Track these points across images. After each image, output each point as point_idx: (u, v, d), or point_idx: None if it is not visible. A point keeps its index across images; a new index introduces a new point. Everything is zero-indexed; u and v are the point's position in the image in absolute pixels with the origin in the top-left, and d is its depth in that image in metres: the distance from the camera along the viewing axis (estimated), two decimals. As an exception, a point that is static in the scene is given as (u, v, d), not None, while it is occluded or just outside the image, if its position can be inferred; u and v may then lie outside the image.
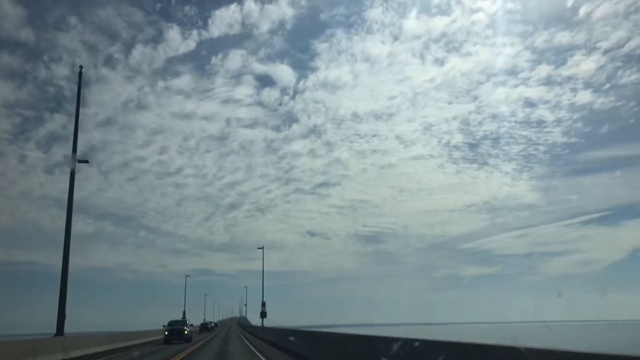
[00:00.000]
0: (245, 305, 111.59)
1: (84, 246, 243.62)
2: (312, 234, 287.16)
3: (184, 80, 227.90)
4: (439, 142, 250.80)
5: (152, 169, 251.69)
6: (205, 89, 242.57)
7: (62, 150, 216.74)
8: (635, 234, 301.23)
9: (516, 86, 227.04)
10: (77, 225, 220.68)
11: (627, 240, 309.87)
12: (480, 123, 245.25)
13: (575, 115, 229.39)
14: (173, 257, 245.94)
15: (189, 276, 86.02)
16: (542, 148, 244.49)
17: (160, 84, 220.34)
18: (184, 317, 76.34)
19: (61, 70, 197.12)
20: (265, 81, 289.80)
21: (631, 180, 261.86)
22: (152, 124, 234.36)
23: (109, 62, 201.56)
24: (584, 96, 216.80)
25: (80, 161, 26.05)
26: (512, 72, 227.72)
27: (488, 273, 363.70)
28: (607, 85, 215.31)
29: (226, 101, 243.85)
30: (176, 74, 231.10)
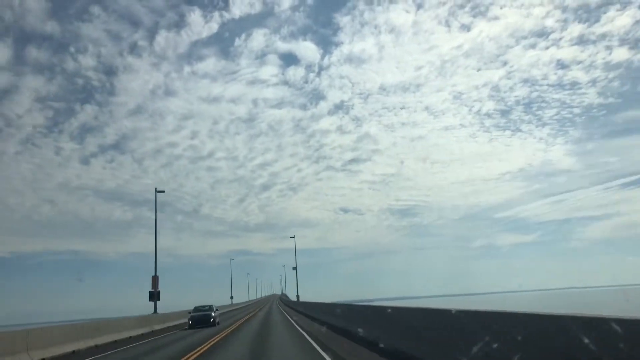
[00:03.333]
0: (284, 284, 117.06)
1: (123, 232, 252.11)
2: (345, 210, 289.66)
3: (209, 64, 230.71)
4: (470, 110, 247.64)
5: (185, 154, 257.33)
6: (230, 71, 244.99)
7: (95, 140, 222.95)
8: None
9: (547, 48, 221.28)
10: (115, 212, 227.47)
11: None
12: (511, 89, 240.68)
13: (611, 75, 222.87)
14: (211, 239, 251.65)
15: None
16: (576, 111, 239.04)
17: (186, 68, 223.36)
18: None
19: (88, 61, 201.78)
20: (289, 59, 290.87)
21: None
22: (181, 109, 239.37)
23: (134, 49, 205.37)
24: (620, 53, 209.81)
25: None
26: (542, 33, 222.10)
27: (526, 241, 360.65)
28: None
29: (252, 82, 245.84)
30: (201, 58, 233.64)
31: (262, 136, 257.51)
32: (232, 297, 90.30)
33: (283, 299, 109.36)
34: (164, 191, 38.97)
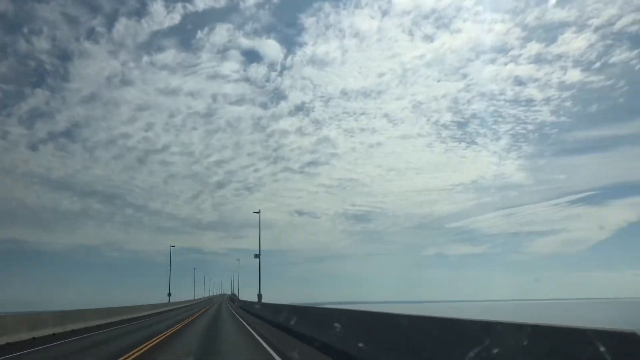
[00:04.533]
0: (238, 281, 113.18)
1: (70, 224, 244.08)
2: (300, 212, 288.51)
3: (169, 55, 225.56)
4: (428, 120, 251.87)
5: (138, 146, 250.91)
6: (190, 64, 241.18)
7: (45, 127, 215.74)
8: (620, 214, 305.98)
9: (506, 64, 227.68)
10: (63, 202, 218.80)
11: (612, 220, 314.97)
12: (469, 101, 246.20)
13: (565, 94, 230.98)
14: (161, 235, 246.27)
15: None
16: (530, 127, 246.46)
17: (145, 58, 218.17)
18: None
19: (42, 44, 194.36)
20: (252, 56, 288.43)
21: (618, 160, 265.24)
22: (137, 99, 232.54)
23: (92, 35, 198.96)
24: (574, 75, 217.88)
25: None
26: (502, 49, 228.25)
27: (475, 252, 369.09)
28: (597, 64, 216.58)
29: (212, 77, 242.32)
30: (161, 49, 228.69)
31: (219, 132, 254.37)
32: (169, 294, 75.34)
33: (234, 299, 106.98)
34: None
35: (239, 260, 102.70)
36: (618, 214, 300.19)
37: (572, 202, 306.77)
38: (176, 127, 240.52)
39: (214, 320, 32.07)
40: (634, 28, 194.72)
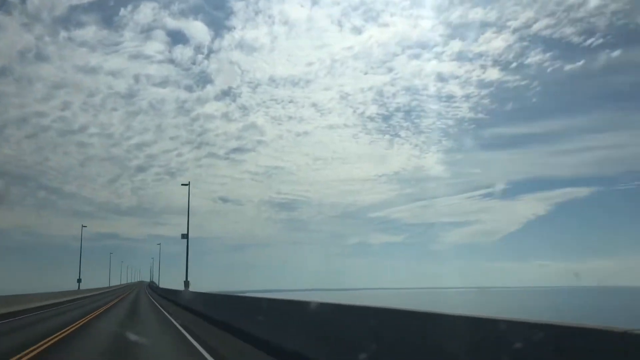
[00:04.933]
0: (159, 268, 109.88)
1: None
2: (224, 199, 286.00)
3: (89, 32, 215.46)
4: (354, 112, 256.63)
5: (54, 125, 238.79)
6: (112, 43, 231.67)
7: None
8: (529, 208, 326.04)
9: (429, 60, 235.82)
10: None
11: (522, 213, 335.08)
12: (394, 95, 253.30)
13: (483, 92, 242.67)
14: (76, 219, 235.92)
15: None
16: (450, 122, 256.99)
17: (63, 34, 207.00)
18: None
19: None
20: (177, 38, 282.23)
21: (527, 157, 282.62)
22: (53, 77, 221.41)
23: (3, 6, 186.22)
24: (493, 73, 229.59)
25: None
26: (427, 45, 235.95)
27: (395, 241, 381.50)
28: (514, 64, 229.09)
29: (135, 57, 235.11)
30: (80, 25, 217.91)
31: (141, 114, 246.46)
32: (79, 281, 67.01)
33: (153, 287, 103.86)
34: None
35: (159, 244, 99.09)
36: (527, 207, 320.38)
37: (485, 196, 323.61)
38: (95, 107, 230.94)
39: (128, 319, 22.53)
40: (547, 32, 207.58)
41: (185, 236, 39.83)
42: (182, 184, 41.06)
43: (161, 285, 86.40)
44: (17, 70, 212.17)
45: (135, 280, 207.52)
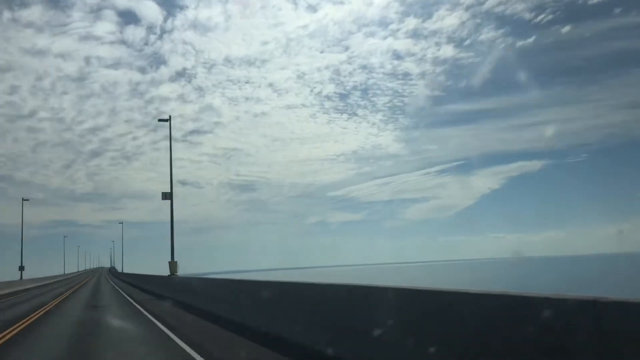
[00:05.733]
0: (121, 254, 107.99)
1: None
2: (183, 183, 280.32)
3: (35, 12, 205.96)
4: (312, 91, 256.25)
5: (1, 111, 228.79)
6: (60, 23, 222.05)
7: None
8: (484, 182, 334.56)
9: (385, 38, 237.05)
10: None
11: (477, 188, 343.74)
12: (350, 74, 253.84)
13: (438, 69, 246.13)
14: (29, 207, 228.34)
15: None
16: (406, 100, 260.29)
17: (6, 14, 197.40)
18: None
19: None
20: (128, 17, 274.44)
21: (482, 132, 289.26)
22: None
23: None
24: (447, 50, 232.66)
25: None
26: (382, 23, 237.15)
27: (354, 219, 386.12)
28: (468, 41, 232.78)
29: (85, 38, 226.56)
30: (25, 4, 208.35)
31: (93, 98, 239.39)
32: (22, 268, 56.61)
33: (115, 272, 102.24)
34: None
35: (122, 223, 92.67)
36: (482, 182, 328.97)
37: (442, 172, 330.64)
38: (45, 91, 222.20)
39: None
40: (500, 8, 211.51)
41: (168, 196, 29.34)
42: (160, 120, 30.81)
43: (125, 271, 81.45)
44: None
45: (95, 267, 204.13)
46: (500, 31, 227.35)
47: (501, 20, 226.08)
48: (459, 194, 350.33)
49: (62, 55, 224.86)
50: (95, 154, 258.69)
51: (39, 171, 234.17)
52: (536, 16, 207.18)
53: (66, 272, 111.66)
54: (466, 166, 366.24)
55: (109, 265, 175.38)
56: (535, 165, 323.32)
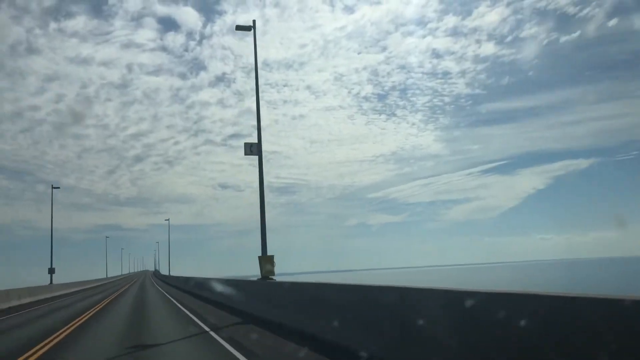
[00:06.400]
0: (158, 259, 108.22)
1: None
2: (224, 186, 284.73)
3: (79, 22, 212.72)
4: (349, 92, 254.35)
5: (48, 118, 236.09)
6: (103, 32, 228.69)
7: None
8: (528, 182, 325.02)
9: (424, 37, 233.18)
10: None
11: (521, 188, 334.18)
12: (389, 74, 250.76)
13: (479, 67, 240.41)
14: (76, 212, 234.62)
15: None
16: (447, 99, 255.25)
17: (53, 25, 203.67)
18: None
19: None
20: (168, 24, 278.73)
21: (525, 131, 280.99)
22: (45, 69, 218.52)
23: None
24: (488, 48, 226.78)
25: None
26: (421, 22, 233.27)
27: (395, 221, 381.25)
28: (509, 38, 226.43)
29: (127, 46, 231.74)
30: (70, 15, 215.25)
31: (136, 104, 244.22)
32: (52, 271, 47.49)
33: (159, 275, 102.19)
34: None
35: (168, 219, 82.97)
36: (527, 181, 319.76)
37: (485, 172, 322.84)
38: (89, 98, 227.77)
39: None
40: (542, 4, 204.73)
41: (254, 149, 20.16)
42: (239, 27, 22.18)
43: (172, 273, 70.77)
44: (8, 65, 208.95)
45: (139, 270, 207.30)
46: (543, 27, 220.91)
47: (544, 15, 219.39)
48: (502, 194, 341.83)
49: (105, 63, 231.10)
50: (138, 159, 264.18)
51: (84, 177, 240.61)
52: (581, 10, 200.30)
53: (109, 276, 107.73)
54: (510, 166, 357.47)
55: (152, 269, 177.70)
56: (582, 163, 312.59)
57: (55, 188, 49.99)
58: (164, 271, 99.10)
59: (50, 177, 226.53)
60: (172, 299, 27.49)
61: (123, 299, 30.98)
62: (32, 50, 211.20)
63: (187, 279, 38.36)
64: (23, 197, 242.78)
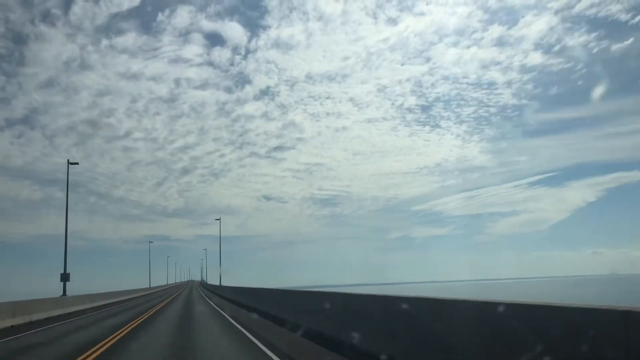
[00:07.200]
0: (205, 268, 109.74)
1: (32, 213, 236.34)
2: (267, 198, 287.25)
3: (129, 38, 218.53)
4: (393, 104, 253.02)
5: (99, 132, 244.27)
6: (151, 48, 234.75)
7: (2, 113, 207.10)
8: (579, 195, 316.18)
9: (469, 47, 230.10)
10: (23, 191, 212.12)
11: (571, 200, 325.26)
12: (432, 85, 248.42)
13: (526, 77, 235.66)
14: (126, 223, 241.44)
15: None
16: (492, 110, 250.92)
17: (104, 42, 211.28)
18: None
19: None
20: (215, 40, 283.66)
21: (575, 142, 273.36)
22: (97, 84, 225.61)
23: (47, 18, 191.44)
24: (535, 57, 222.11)
25: None
26: (465, 32, 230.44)
27: (439, 234, 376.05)
28: (557, 47, 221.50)
29: (174, 61, 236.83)
30: (120, 32, 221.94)
31: (183, 118, 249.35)
32: (66, 278, 35.67)
33: (203, 284, 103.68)
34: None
35: (219, 218, 72.64)
36: (577, 194, 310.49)
37: (532, 184, 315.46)
38: (138, 112, 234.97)
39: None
40: (592, 11, 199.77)
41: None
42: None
43: (223, 283, 64.18)
44: (63, 81, 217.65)
45: (185, 280, 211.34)
46: (593, 35, 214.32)
47: (594, 23, 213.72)
48: (551, 207, 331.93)
49: (154, 78, 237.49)
50: (185, 171, 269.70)
51: (134, 188, 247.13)
52: (633, 17, 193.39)
53: (152, 285, 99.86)
54: (559, 178, 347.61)
55: (199, 279, 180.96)
56: (636, 175, 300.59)
57: (72, 164, 37.40)
58: (210, 281, 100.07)
59: (101, 189, 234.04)
60: (234, 324, 18.25)
61: (163, 316, 24.34)
62: (84, 66, 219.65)
63: (254, 291, 29.26)
64: (76, 208, 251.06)
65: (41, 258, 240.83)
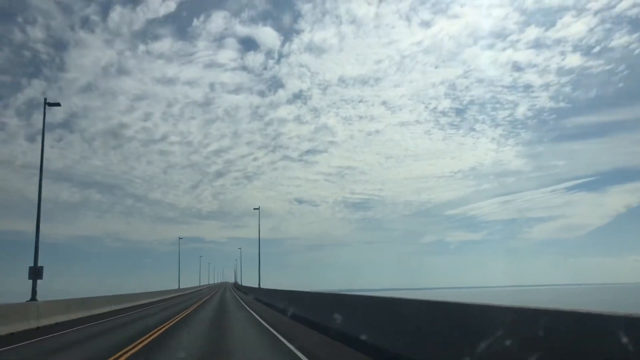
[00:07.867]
0: (241, 269, 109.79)
1: (71, 215, 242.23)
2: (300, 201, 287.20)
3: (165, 44, 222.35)
4: (426, 107, 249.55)
5: (137, 136, 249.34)
6: (187, 53, 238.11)
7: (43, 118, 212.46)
8: (619, 200, 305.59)
9: (504, 49, 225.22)
10: (62, 194, 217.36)
11: (611, 206, 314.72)
12: (467, 88, 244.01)
13: (563, 80, 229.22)
14: (162, 225, 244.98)
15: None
16: (528, 113, 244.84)
17: (141, 47, 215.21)
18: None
19: (36, 33, 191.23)
20: (249, 44, 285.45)
21: (615, 146, 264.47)
22: (134, 89, 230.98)
23: (86, 24, 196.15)
24: (573, 59, 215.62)
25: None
26: (500, 34, 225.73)
27: (474, 239, 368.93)
28: (597, 48, 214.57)
29: (209, 65, 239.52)
30: (157, 37, 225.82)
31: (218, 122, 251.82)
32: (36, 274, 23.71)
33: (240, 287, 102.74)
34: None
35: (257, 208, 63.97)
36: (618, 199, 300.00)
37: (570, 188, 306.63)
38: (174, 116, 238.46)
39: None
40: (633, 11, 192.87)
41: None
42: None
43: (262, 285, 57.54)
44: (101, 85, 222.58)
45: (218, 281, 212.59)
46: (635, 35, 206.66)
47: (636, 23, 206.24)
48: (590, 212, 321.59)
49: (189, 83, 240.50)
50: (219, 174, 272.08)
51: (169, 191, 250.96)
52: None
53: (181, 287, 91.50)
54: (598, 182, 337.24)
55: (232, 280, 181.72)
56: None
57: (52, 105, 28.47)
58: (244, 283, 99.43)
59: (138, 191, 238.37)
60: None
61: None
62: (122, 71, 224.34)
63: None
64: (113, 210, 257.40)
65: (79, 259, 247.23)
